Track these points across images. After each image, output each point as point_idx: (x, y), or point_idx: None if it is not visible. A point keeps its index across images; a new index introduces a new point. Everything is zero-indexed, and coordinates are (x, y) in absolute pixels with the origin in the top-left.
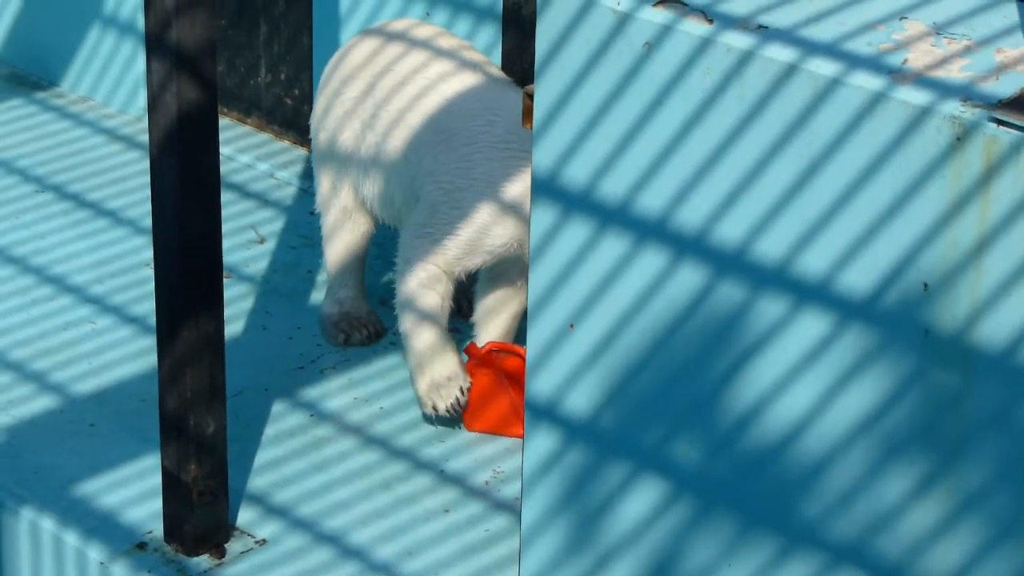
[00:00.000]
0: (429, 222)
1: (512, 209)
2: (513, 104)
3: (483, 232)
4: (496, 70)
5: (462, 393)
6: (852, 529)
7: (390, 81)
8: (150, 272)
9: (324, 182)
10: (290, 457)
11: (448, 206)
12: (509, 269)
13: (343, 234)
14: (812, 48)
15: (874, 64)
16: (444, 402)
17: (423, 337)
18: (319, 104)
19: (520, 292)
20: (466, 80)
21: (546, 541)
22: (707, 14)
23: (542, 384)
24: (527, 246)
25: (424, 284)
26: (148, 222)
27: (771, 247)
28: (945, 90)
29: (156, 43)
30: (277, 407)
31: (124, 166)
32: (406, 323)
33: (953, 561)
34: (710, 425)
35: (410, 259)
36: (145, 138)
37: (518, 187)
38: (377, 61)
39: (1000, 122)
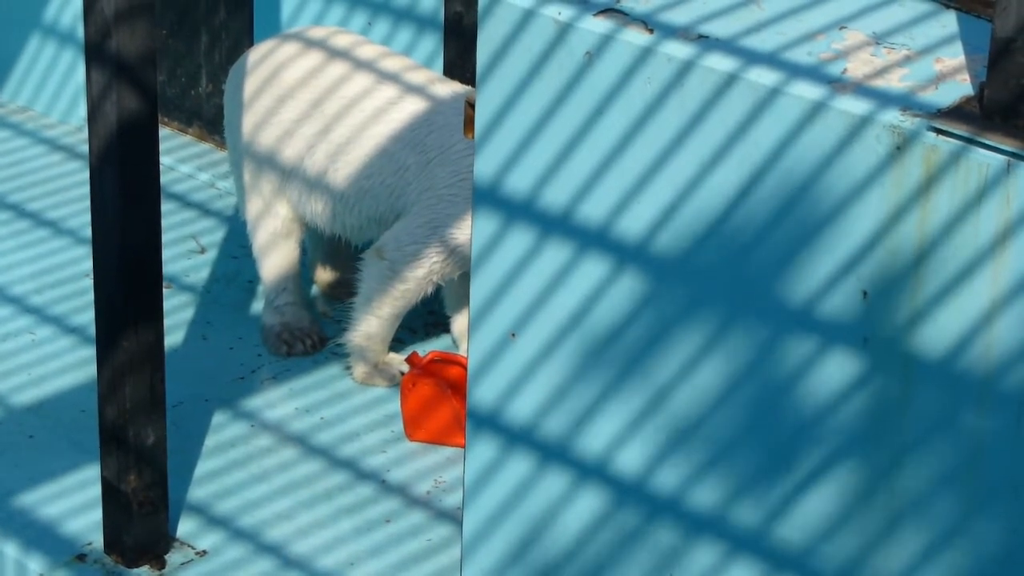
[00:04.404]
0: (423, 234)
1: None
2: None
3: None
4: (436, 74)
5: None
6: (795, 536)
7: (339, 103)
8: (90, 283)
9: (254, 200)
10: (231, 468)
11: (448, 216)
12: None
13: (280, 250)
14: (752, 58)
15: (814, 73)
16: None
17: (390, 321)
18: (240, 116)
19: None
20: (424, 95)
21: (488, 551)
22: (648, 24)
23: (484, 393)
24: None
25: (420, 280)
26: (88, 232)
27: (712, 255)
28: (885, 99)
29: (96, 52)
30: (217, 417)
31: (64, 176)
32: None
33: (896, 567)
34: (652, 433)
35: (405, 260)
36: (86, 148)
37: None
38: (318, 81)
39: (939, 131)
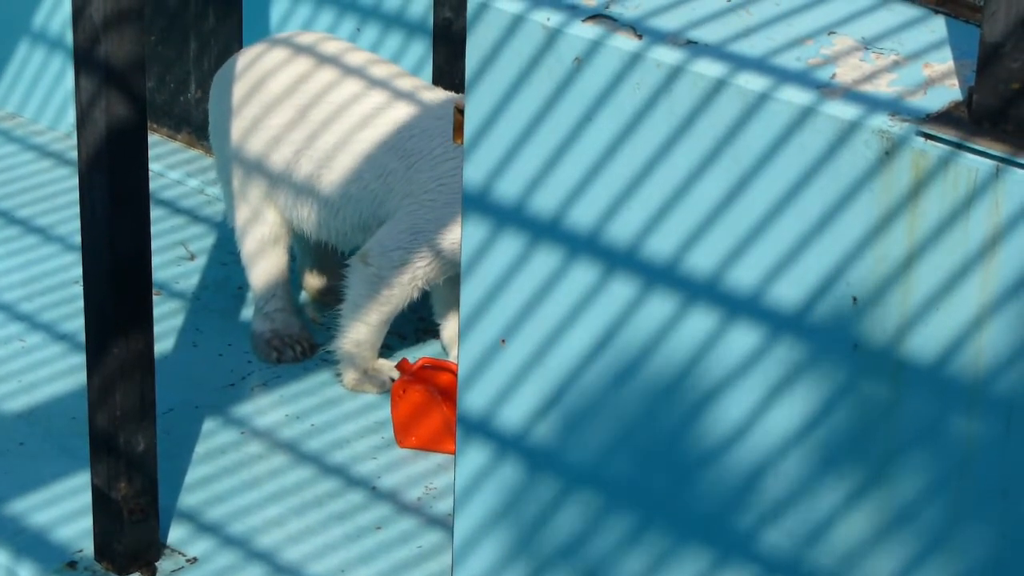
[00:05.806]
0: (406, 238)
1: None
2: None
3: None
4: (421, 81)
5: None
6: (785, 541)
7: (326, 109)
8: (80, 289)
9: (242, 206)
10: (221, 475)
11: (429, 221)
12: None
13: (269, 257)
14: (741, 63)
15: (803, 79)
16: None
17: (380, 326)
18: (227, 122)
19: None
20: (408, 101)
21: (478, 557)
22: (636, 29)
23: (474, 399)
24: None
25: (405, 286)
26: (78, 239)
27: (702, 261)
28: (873, 104)
29: (85, 59)
30: (208, 424)
31: (54, 183)
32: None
33: (886, 572)
34: (643, 437)
35: (389, 265)
36: (75, 155)
37: None
38: (305, 87)
39: (928, 136)
